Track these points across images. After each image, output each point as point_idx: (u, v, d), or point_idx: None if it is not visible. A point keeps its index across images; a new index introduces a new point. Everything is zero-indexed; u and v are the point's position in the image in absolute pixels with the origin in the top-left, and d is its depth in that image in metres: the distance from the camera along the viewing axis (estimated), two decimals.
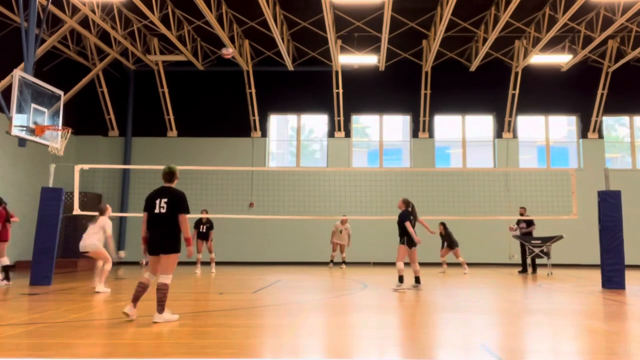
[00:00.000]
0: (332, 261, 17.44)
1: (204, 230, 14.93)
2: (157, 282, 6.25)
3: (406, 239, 10.13)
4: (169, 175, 6.63)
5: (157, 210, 6.31)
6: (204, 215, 14.85)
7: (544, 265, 15.15)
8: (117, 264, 19.17)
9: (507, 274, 15.22)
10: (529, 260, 15.00)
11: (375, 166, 20.48)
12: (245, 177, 19.06)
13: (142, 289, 6.32)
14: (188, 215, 6.36)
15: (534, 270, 14.94)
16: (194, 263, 15.83)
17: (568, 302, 8.76)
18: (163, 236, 6.26)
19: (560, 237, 14.55)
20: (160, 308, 6.19)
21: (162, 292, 6.19)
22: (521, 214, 15.11)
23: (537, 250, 14.55)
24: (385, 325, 6.31)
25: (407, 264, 10.38)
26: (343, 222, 16.97)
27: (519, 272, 15.18)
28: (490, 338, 5.67)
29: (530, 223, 15.04)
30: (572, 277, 13.95)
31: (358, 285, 11.46)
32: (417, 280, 10.38)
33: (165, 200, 6.33)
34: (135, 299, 6.30)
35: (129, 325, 6.09)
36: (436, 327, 6.44)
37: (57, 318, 6.56)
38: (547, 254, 14.54)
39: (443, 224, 15.59)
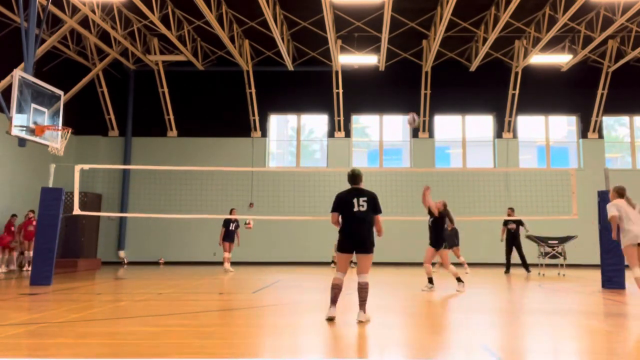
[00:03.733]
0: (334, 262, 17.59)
1: (233, 229, 15.49)
2: (359, 282, 6.36)
3: None
4: (354, 177, 6.77)
5: (356, 209, 6.46)
6: (234, 216, 15.36)
7: (555, 266, 15.15)
8: (117, 264, 19.18)
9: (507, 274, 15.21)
10: (538, 260, 14.99)
11: (375, 166, 20.48)
12: (245, 177, 19.06)
13: (338, 289, 6.40)
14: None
15: (528, 270, 14.90)
16: (218, 263, 16.04)
17: (568, 302, 8.76)
18: (367, 235, 6.40)
19: (575, 237, 14.60)
20: (364, 306, 6.33)
21: (365, 291, 6.34)
22: (509, 215, 15.03)
23: (553, 250, 14.52)
24: (386, 325, 6.30)
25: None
26: None
27: (505, 272, 15.14)
28: (491, 338, 5.67)
29: (520, 223, 14.96)
30: (572, 277, 13.95)
31: None
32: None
33: (365, 199, 6.50)
34: (334, 301, 6.40)
35: (129, 325, 6.09)
36: (436, 327, 6.43)
37: (57, 318, 6.56)
38: (563, 254, 14.51)
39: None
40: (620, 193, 8.06)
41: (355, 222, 6.42)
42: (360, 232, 6.39)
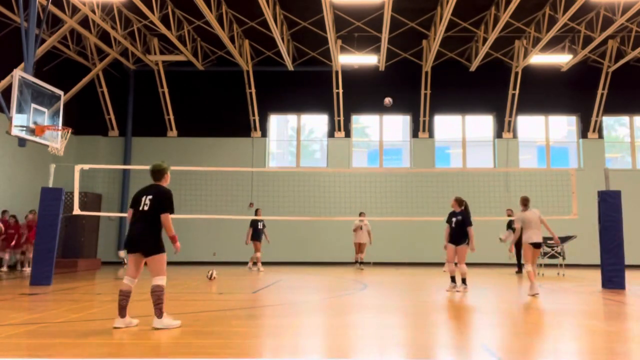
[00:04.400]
0: (357, 262, 17.21)
1: (261, 228, 15.95)
2: (152, 285, 5.90)
3: None
4: (154, 173, 6.37)
5: (140, 208, 6.07)
6: (260, 217, 15.80)
7: (555, 266, 15.15)
8: (117, 264, 19.18)
9: (507, 274, 15.22)
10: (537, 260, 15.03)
11: (375, 166, 20.48)
12: (245, 177, 19.06)
13: (124, 297, 5.90)
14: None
15: (520, 271, 14.99)
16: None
17: (568, 302, 8.76)
18: (144, 236, 5.97)
19: (574, 237, 14.58)
20: (158, 312, 5.83)
21: (157, 295, 5.85)
22: (509, 215, 15.05)
23: (552, 250, 14.49)
24: (385, 325, 6.30)
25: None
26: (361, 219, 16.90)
27: (516, 272, 15.20)
28: (490, 338, 5.67)
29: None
30: (572, 277, 13.95)
31: (358, 285, 11.46)
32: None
33: (150, 197, 6.07)
34: (122, 309, 5.88)
35: None
36: (436, 327, 6.43)
37: (57, 318, 6.56)
38: (562, 254, 14.48)
39: None
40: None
41: (137, 221, 6.03)
42: (137, 231, 5.97)
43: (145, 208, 6.03)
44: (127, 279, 5.98)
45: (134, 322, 5.98)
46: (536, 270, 10.02)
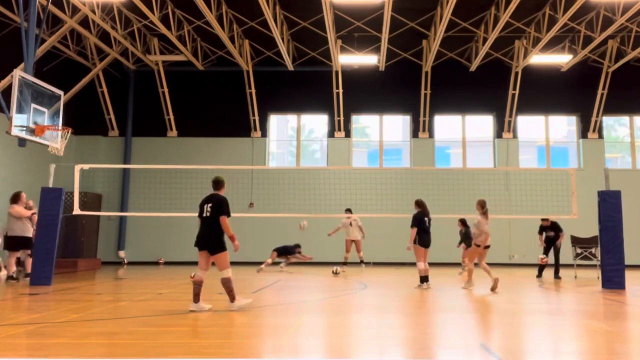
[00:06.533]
0: (345, 263, 16.27)
1: None
2: (220, 278, 7.19)
3: None
4: (215, 184, 7.57)
5: (204, 215, 7.25)
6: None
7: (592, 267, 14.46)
8: (117, 264, 19.18)
9: (507, 274, 15.22)
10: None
11: (375, 166, 20.48)
12: (245, 177, 19.04)
13: (197, 285, 7.15)
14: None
15: (540, 275, 14.18)
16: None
17: (568, 302, 8.76)
18: (208, 238, 7.20)
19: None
20: (231, 298, 7.17)
21: (226, 286, 7.16)
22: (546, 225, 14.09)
23: (586, 252, 13.60)
24: (385, 325, 6.31)
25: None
26: (349, 216, 16.27)
27: (555, 277, 13.77)
28: (490, 338, 5.67)
29: (559, 229, 13.93)
30: (571, 277, 13.93)
31: (358, 285, 11.46)
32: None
33: (210, 205, 7.25)
34: (196, 296, 7.11)
35: (129, 325, 6.09)
36: (436, 327, 6.44)
37: (57, 318, 6.56)
38: (595, 255, 13.51)
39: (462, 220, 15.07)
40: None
41: (202, 226, 7.29)
42: (202, 234, 7.23)
43: (207, 214, 7.24)
44: (199, 271, 7.25)
45: (207, 307, 7.14)
46: None
